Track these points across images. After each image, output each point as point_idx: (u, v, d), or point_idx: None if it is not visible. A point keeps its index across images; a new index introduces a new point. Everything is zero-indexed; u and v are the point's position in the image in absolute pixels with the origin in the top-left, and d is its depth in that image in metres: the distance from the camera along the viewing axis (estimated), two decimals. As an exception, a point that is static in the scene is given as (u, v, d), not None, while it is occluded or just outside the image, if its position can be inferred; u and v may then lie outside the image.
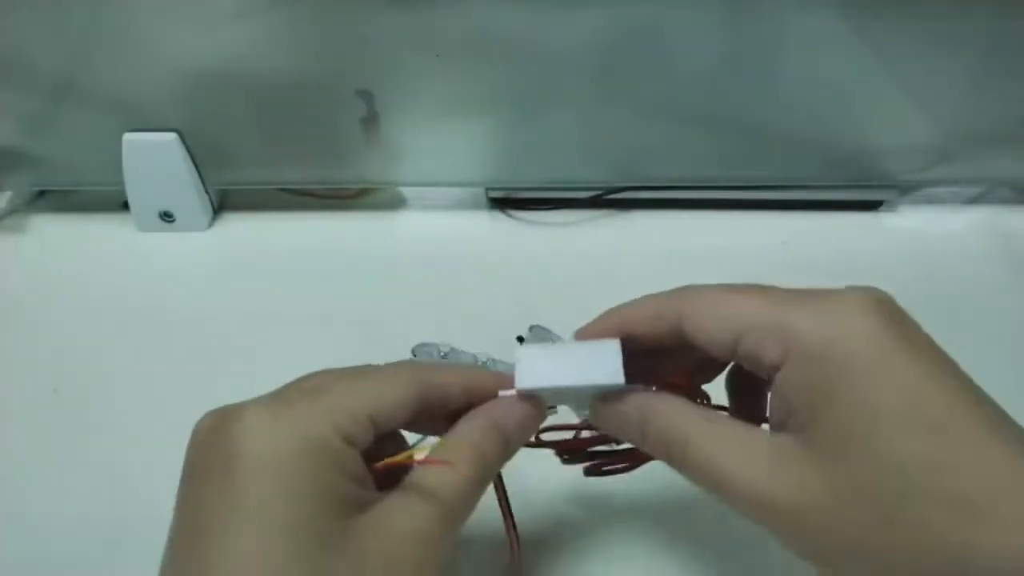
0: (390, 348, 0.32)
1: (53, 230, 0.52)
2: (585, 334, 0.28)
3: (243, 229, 0.52)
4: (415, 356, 0.41)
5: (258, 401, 0.24)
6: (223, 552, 0.20)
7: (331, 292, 0.47)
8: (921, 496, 0.20)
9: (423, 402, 0.25)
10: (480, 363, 0.40)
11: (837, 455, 0.21)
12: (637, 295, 0.33)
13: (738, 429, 0.24)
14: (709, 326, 0.24)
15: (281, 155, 0.50)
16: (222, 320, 0.46)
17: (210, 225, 0.52)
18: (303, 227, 0.52)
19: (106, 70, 0.45)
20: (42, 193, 0.54)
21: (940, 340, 0.47)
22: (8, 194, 0.54)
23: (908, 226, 0.52)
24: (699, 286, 0.26)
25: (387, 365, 0.27)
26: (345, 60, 0.45)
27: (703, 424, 0.24)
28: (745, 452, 0.23)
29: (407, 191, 0.54)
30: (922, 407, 0.21)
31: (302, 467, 0.22)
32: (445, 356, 0.41)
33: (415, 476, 0.24)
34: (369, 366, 0.26)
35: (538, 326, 0.43)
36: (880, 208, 0.53)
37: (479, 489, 0.25)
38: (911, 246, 0.51)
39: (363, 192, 0.54)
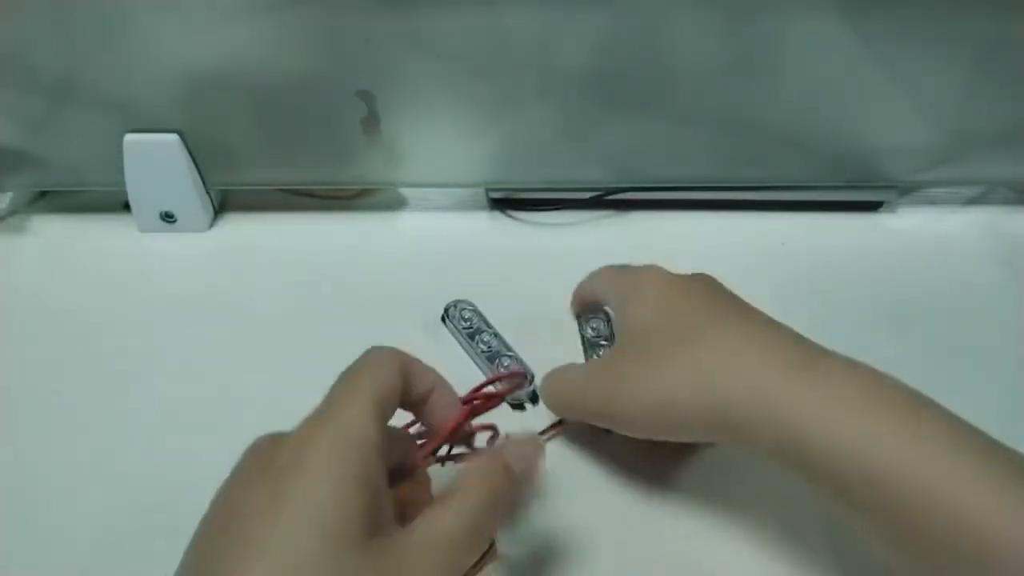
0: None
1: (54, 231, 0.52)
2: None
3: (244, 230, 0.52)
4: (448, 312, 0.45)
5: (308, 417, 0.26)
6: (264, 544, 0.21)
7: (332, 292, 0.47)
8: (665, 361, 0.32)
9: (406, 389, 0.28)
10: (494, 335, 0.43)
11: (628, 349, 0.35)
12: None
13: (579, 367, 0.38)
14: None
15: (282, 156, 0.50)
16: (223, 320, 0.46)
17: (211, 226, 0.52)
18: (304, 228, 0.52)
19: (107, 71, 0.45)
20: (43, 194, 0.54)
21: (939, 340, 0.47)
22: (9, 195, 0.54)
23: (908, 227, 0.52)
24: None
25: (372, 355, 0.28)
26: (346, 61, 0.45)
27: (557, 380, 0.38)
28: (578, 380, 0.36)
29: (407, 192, 0.54)
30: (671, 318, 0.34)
31: (346, 470, 0.23)
32: (470, 322, 0.44)
33: (455, 484, 0.26)
34: (361, 361, 0.28)
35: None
36: (880, 209, 0.53)
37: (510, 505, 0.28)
38: (911, 247, 0.51)
39: (363, 193, 0.54)
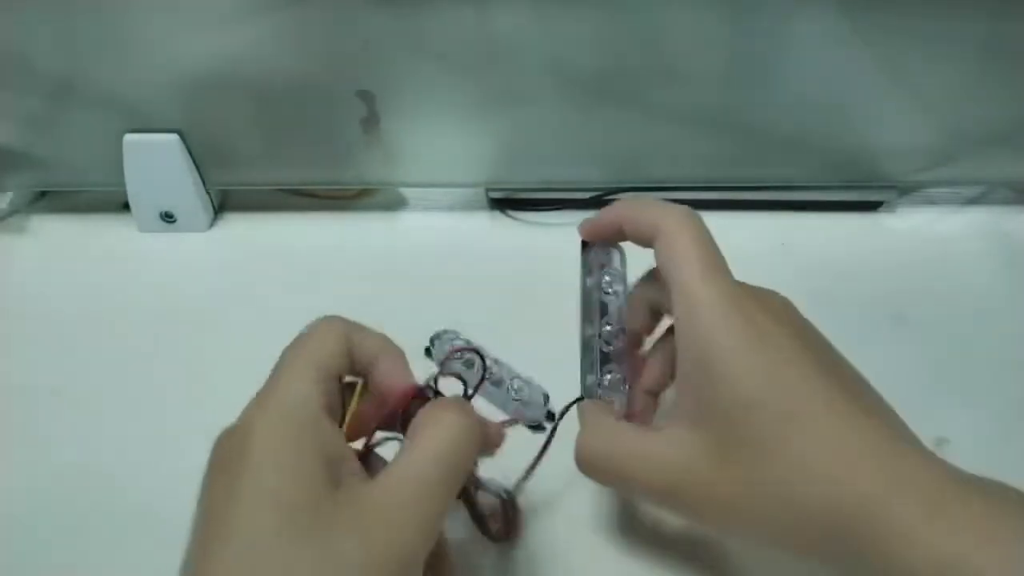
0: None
1: (54, 231, 0.52)
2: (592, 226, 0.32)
3: (244, 229, 0.52)
4: (433, 344, 0.38)
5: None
6: (225, 534, 0.22)
7: (331, 293, 0.47)
8: (773, 463, 0.25)
9: (351, 354, 0.27)
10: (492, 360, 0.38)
11: (720, 441, 0.26)
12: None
13: (635, 439, 0.29)
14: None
15: (282, 156, 0.50)
16: (222, 320, 0.46)
17: (211, 226, 0.52)
18: (304, 228, 0.52)
19: (107, 71, 0.45)
20: (43, 194, 0.54)
21: (939, 340, 0.47)
22: (9, 195, 0.54)
23: (907, 227, 0.52)
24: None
25: (313, 324, 0.28)
26: (345, 61, 0.45)
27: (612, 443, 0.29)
28: (647, 458, 0.28)
29: (407, 191, 0.54)
30: (776, 396, 0.25)
31: (286, 444, 0.23)
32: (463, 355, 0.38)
33: (413, 430, 0.26)
34: (302, 333, 0.28)
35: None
36: (879, 209, 0.53)
37: (473, 445, 0.26)
38: (911, 247, 0.51)
39: (363, 192, 0.54)
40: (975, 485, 0.24)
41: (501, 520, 0.33)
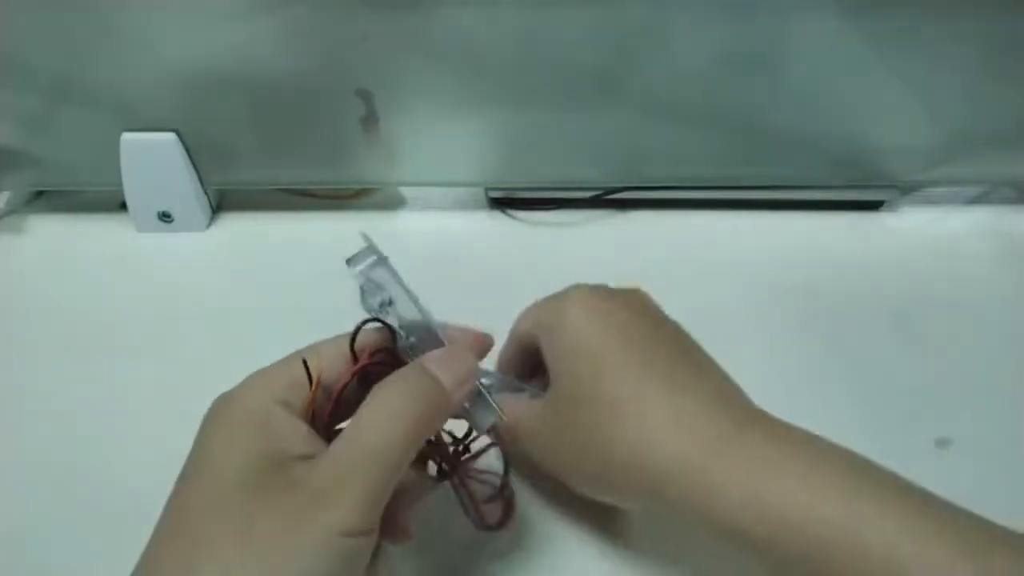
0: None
1: (51, 231, 0.52)
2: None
3: (241, 229, 0.52)
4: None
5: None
6: (180, 500, 0.26)
7: (330, 292, 0.47)
8: (592, 416, 0.31)
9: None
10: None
11: (562, 403, 0.32)
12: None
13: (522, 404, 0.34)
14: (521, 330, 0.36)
15: (280, 155, 0.50)
16: (220, 320, 0.45)
17: (208, 225, 0.52)
18: (302, 227, 0.52)
19: (105, 70, 0.45)
20: (40, 193, 0.54)
21: (939, 340, 0.47)
22: (7, 194, 0.54)
23: (909, 226, 0.52)
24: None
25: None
26: (345, 60, 0.45)
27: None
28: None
29: (407, 191, 0.54)
30: (602, 374, 0.31)
31: (238, 433, 0.26)
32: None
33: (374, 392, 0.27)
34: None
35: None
36: (881, 208, 0.53)
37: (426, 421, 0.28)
38: (912, 246, 0.51)
39: (363, 192, 0.54)
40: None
41: (501, 509, 0.35)
